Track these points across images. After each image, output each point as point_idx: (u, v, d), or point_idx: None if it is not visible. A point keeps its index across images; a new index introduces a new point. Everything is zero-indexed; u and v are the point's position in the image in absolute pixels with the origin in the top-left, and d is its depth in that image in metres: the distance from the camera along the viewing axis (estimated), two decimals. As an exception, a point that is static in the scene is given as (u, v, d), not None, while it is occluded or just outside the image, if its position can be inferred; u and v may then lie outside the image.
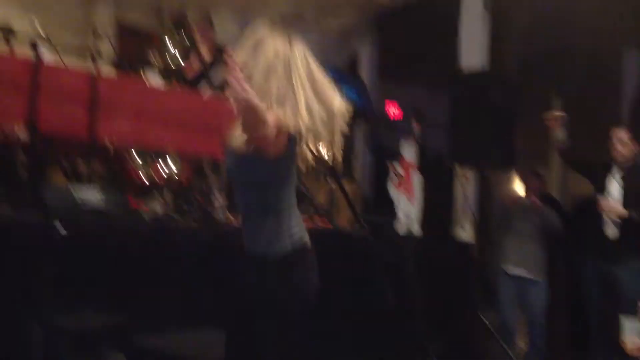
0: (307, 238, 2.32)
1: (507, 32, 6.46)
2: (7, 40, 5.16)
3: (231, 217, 4.67)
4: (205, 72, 5.20)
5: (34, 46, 3.80)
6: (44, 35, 4.29)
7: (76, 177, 5.19)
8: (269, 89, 2.17)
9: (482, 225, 5.81)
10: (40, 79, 3.69)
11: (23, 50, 4.54)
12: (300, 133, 2.19)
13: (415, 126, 5.84)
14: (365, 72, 9.06)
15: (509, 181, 8.07)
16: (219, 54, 5.28)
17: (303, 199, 5.22)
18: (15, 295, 3.11)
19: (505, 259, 5.20)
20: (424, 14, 8.05)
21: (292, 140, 2.19)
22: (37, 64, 3.72)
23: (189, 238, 3.77)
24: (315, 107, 2.20)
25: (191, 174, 4.89)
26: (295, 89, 2.18)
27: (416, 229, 5.25)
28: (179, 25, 6.04)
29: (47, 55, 4.02)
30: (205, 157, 4.86)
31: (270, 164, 2.18)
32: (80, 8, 8.36)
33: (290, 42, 2.23)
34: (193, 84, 5.18)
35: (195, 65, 5.25)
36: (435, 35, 7.72)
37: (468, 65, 6.09)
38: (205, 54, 5.36)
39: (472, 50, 6.23)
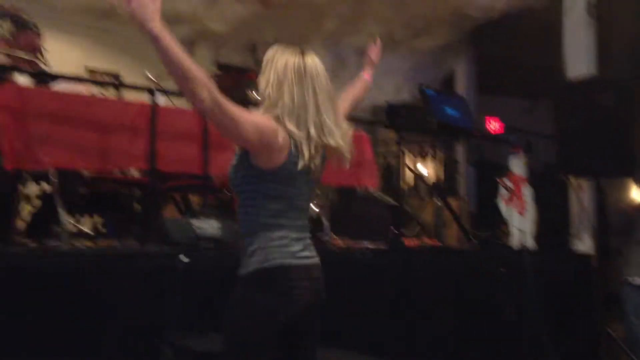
0: (283, 261, 2.15)
1: (614, 35, 6.26)
2: (117, 88, 5.55)
3: (337, 239, 4.78)
4: None
5: (150, 92, 4.03)
6: (156, 82, 4.56)
7: (189, 211, 5.45)
8: (282, 99, 2.13)
9: (602, 235, 5.60)
10: (157, 121, 3.95)
11: (131, 97, 4.88)
12: (304, 150, 2.12)
13: (521, 138, 5.75)
14: (462, 88, 9.00)
15: (628, 188, 7.72)
16: None
17: (407, 217, 5.28)
18: (146, 320, 3.32)
19: (629, 269, 4.98)
20: (522, 24, 7.93)
21: (291, 159, 2.12)
22: (154, 108, 3.97)
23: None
24: (329, 123, 2.16)
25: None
26: (307, 99, 2.14)
27: (530, 243, 5.14)
28: None
29: (160, 100, 4.27)
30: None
31: (257, 172, 2.13)
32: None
33: (302, 53, 2.21)
34: None
35: None
36: (536, 45, 7.57)
37: (574, 72, 5.93)
38: None
39: (578, 57, 6.07)
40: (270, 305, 2.12)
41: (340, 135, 2.21)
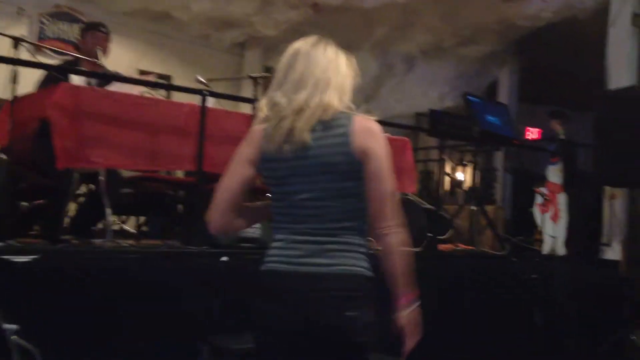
0: (271, 266, 2.03)
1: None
2: (168, 90, 5.71)
3: (372, 242, 4.88)
4: None
5: (201, 94, 4.08)
6: (206, 85, 4.64)
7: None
8: (287, 81, 2.05)
9: (632, 243, 5.58)
10: (206, 124, 4.02)
11: (179, 99, 4.99)
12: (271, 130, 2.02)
13: (559, 129, 5.76)
14: (506, 96, 9.01)
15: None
16: None
17: (443, 222, 5.34)
18: (187, 319, 3.41)
19: None
20: (567, 34, 7.90)
21: (262, 146, 2.05)
22: (204, 110, 4.03)
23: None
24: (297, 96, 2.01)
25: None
26: (312, 78, 2.02)
27: (561, 250, 5.17)
28: None
29: (209, 102, 4.34)
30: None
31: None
32: (232, 58, 9.13)
33: (314, 42, 2.10)
34: None
35: None
36: (580, 55, 7.54)
37: (617, 83, 5.92)
38: None
39: (621, 67, 6.04)
40: (260, 310, 2.05)
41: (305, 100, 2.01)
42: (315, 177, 2.00)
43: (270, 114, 2.04)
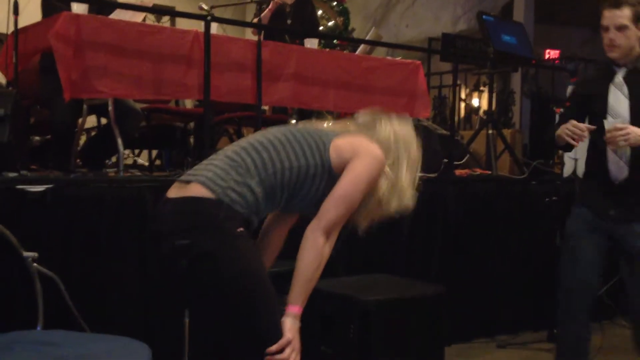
0: None
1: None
2: (171, 18, 5.58)
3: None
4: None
5: (205, 20, 3.96)
6: (209, 12, 4.54)
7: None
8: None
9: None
10: (211, 51, 3.91)
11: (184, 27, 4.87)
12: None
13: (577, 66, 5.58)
14: (521, 17, 8.73)
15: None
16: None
17: (458, 147, 5.24)
18: None
19: None
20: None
21: None
22: (208, 37, 3.92)
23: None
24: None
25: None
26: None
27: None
28: None
29: (214, 29, 4.23)
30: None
31: None
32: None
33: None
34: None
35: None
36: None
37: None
38: None
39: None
40: None
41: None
42: None
43: None
